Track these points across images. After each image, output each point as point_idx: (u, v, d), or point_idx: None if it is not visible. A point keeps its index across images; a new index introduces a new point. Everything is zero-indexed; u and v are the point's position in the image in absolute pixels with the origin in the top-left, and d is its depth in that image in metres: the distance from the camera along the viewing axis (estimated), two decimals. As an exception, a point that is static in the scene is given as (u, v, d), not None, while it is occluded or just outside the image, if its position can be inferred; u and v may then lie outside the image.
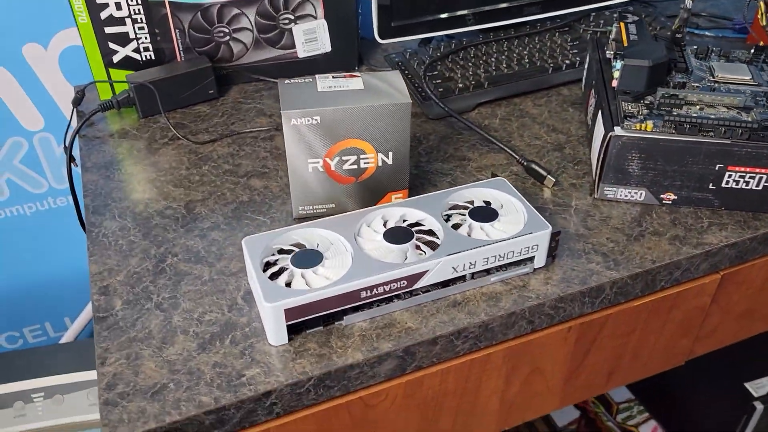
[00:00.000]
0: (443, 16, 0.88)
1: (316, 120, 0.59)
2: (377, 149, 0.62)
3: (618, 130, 0.63)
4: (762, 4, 0.77)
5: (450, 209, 0.62)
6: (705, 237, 0.63)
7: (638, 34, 0.72)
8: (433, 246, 0.57)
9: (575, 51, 0.91)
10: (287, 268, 0.54)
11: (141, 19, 0.81)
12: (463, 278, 0.57)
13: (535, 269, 0.59)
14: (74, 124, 0.82)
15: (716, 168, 0.63)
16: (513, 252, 0.57)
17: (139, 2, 0.80)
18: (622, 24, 0.74)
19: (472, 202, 0.62)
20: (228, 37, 0.86)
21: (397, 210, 0.60)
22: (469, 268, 0.56)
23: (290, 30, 0.88)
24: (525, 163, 0.72)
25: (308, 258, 0.55)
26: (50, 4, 0.91)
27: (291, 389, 0.50)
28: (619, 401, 1.33)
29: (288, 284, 0.53)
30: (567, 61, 0.89)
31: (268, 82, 0.90)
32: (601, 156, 0.65)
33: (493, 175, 0.69)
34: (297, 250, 0.56)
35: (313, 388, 0.51)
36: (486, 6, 0.90)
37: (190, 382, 0.50)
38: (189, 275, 0.59)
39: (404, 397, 0.57)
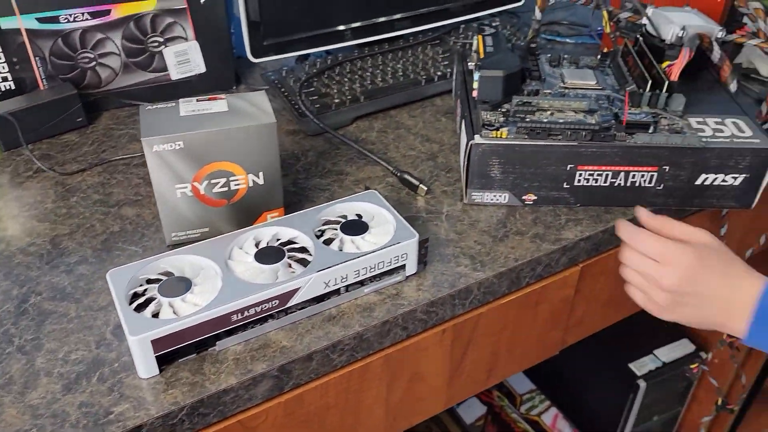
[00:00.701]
0: (317, 33, 0.90)
1: (179, 145, 0.58)
2: (247, 170, 0.62)
3: (477, 139, 0.67)
4: (605, 12, 0.84)
5: (323, 225, 0.63)
6: (563, 233, 0.67)
7: (494, 45, 0.76)
8: (304, 263, 0.57)
9: (446, 63, 0.95)
10: (155, 298, 0.53)
11: (-6, 48, 0.77)
12: (337, 292, 0.58)
13: (407, 277, 0.62)
14: (-74, 161, 0.77)
15: (568, 168, 0.68)
16: (383, 262, 0.59)
17: (-9, 30, 0.76)
18: (480, 37, 0.78)
19: (345, 216, 0.63)
20: (94, 63, 0.83)
21: (270, 229, 0.61)
22: (342, 281, 0.57)
23: (161, 53, 0.86)
24: (398, 174, 0.74)
25: (176, 286, 0.54)
26: None
27: (163, 421, 0.49)
28: (521, 393, 1.39)
29: (156, 314, 0.52)
30: (439, 73, 0.92)
31: (137, 106, 0.88)
32: (466, 163, 0.69)
33: (366, 188, 0.71)
34: (165, 278, 0.55)
35: (187, 417, 0.50)
36: (359, 22, 0.92)
37: (54, 426, 0.48)
38: (54, 314, 0.57)
39: (285, 416, 0.57)
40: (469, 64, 0.80)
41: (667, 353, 1.22)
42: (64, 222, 0.68)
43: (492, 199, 0.71)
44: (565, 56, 0.81)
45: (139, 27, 0.83)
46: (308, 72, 0.91)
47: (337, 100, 0.86)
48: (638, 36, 0.79)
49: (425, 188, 0.73)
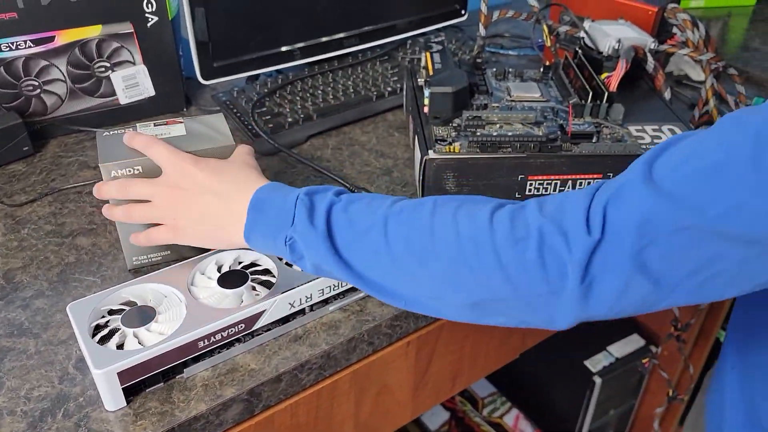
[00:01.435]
0: (267, 53, 0.90)
1: (138, 170, 0.58)
2: None
3: (431, 154, 0.69)
4: (545, 26, 0.88)
5: (284, 245, 0.63)
6: (518, 241, 0.70)
7: (442, 62, 0.78)
8: (268, 285, 0.58)
9: (395, 78, 0.97)
10: (119, 329, 0.53)
11: (-68, 78, 0.75)
12: (302, 311, 0.59)
13: (370, 293, 0.63)
14: None
15: (519, 179, 0.70)
16: (346, 280, 0.60)
17: (-72, 61, 0.74)
18: (428, 54, 0.80)
19: (305, 236, 0.64)
20: (39, 90, 0.82)
21: (231, 253, 0.61)
22: (306, 301, 0.58)
23: (108, 78, 0.85)
24: (354, 191, 0.76)
25: (140, 315, 0.54)
26: None
27: (133, 453, 0.49)
28: (483, 396, 1.42)
29: (121, 345, 0.52)
30: (389, 88, 0.94)
31: (90, 132, 0.87)
32: (421, 178, 0.70)
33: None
34: (127, 308, 0.55)
35: (158, 448, 0.50)
36: (308, 41, 0.93)
37: (19, 467, 0.47)
38: (12, 351, 0.55)
39: (257, 438, 0.57)
40: (418, 80, 0.83)
41: (619, 349, 1.26)
42: (17, 255, 0.66)
43: (448, 212, 0.73)
44: (510, 70, 0.84)
45: (85, 53, 0.82)
46: (260, 92, 0.91)
47: (290, 119, 0.87)
48: (577, 49, 0.83)
49: None
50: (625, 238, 0.42)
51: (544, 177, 0.70)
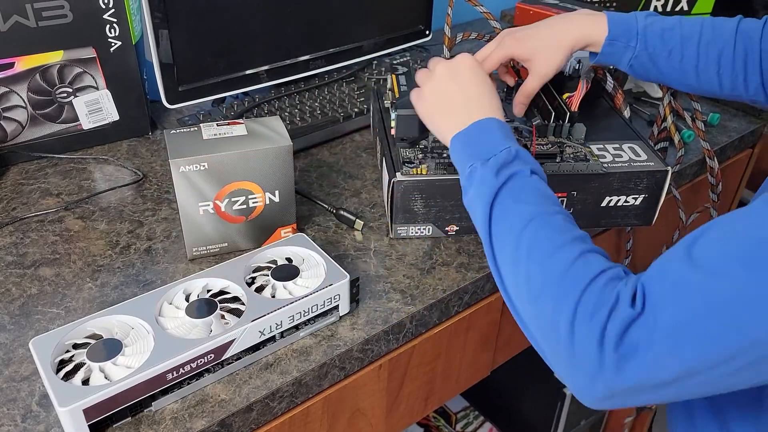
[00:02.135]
0: (232, 76, 0.90)
1: (203, 166, 0.63)
2: (264, 189, 0.67)
3: (399, 176, 0.69)
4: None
5: (254, 272, 0.63)
6: (485, 261, 0.70)
7: (408, 84, 0.79)
8: (237, 313, 0.57)
9: (362, 99, 0.98)
10: (84, 364, 0.52)
11: None
12: (272, 339, 0.59)
13: (340, 317, 0.63)
14: None
15: (486, 199, 0.71)
16: (317, 305, 0.60)
17: None
18: (393, 76, 0.81)
19: (275, 262, 0.64)
20: (-2, 117, 0.80)
21: (199, 281, 0.60)
22: (277, 328, 0.58)
23: (70, 103, 0.84)
24: (334, 211, 0.76)
25: (106, 349, 0.53)
26: None
27: (101, 492, 0.48)
28: (456, 411, 1.42)
29: (86, 381, 0.51)
30: (356, 109, 0.95)
31: (53, 158, 0.85)
32: (389, 199, 0.71)
33: (295, 231, 0.72)
34: (93, 342, 0.54)
35: (127, 485, 0.49)
36: (274, 63, 0.94)
37: None
38: (-28, 389, 0.54)
39: (228, 470, 0.56)
40: (384, 102, 0.84)
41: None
42: (-24, 288, 0.64)
43: (417, 233, 0.73)
44: (475, 90, 0.85)
45: (46, 78, 0.81)
46: (226, 115, 0.91)
47: (257, 142, 0.86)
48: (539, 69, 0.84)
49: (361, 222, 0.74)
50: (664, 309, 0.44)
51: (510, 197, 0.71)
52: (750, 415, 0.56)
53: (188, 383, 0.54)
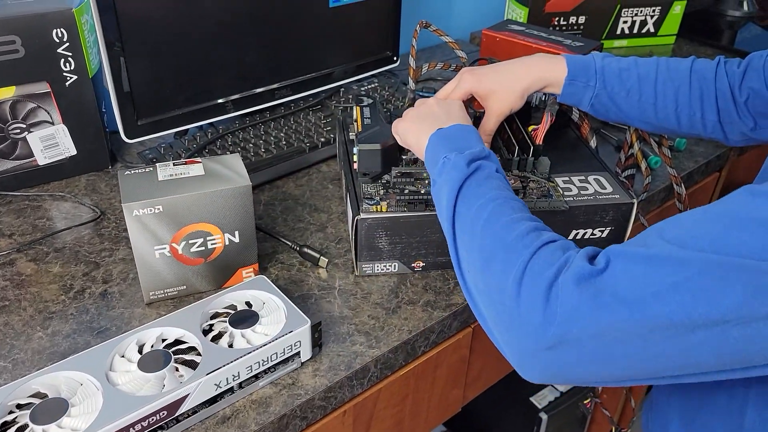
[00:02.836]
0: (194, 108, 0.88)
1: (158, 209, 0.61)
2: (223, 230, 0.65)
3: (362, 214, 0.68)
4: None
5: (212, 318, 0.61)
6: (452, 297, 0.69)
7: (372, 117, 0.78)
8: (193, 365, 0.55)
9: (329, 128, 0.96)
10: (27, 426, 0.49)
11: None
12: (230, 390, 0.56)
13: (302, 363, 0.61)
14: None
15: (451, 235, 0.70)
16: (276, 354, 0.58)
17: None
18: (357, 108, 0.80)
19: (234, 307, 0.62)
20: (-53, 155, 0.77)
21: (154, 331, 0.58)
22: (234, 380, 0.56)
23: (24, 139, 0.81)
24: (298, 248, 0.74)
25: (51, 409, 0.50)
26: None
27: None
28: (433, 437, 1.40)
29: (29, 445, 0.48)
30: (322, 139, 0.93)
31: (6, 196, 0.82)
32: (354, 237, 0.69)
33: (257, 271, 0.70)
34: (37, 402, 0.51)
35: None
36: (237, 94, 0.92)
37: None
38: None
39: None
40: (350, 134, 0.82)
41: (565, 383, 1.27)
42: None
43: (382, 269, 0.72)
44: (441, 121, 0.84)
45: (-2, 114, 0.78)
46: (188, 147, 0.89)
47: (220, 175, 0.84)
48: (505, 99, 0.84)
49: (326, 260, 0.73)
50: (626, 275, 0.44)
51: (476, 232, 0.70)
52: None
53: (140, 442, 0.52)
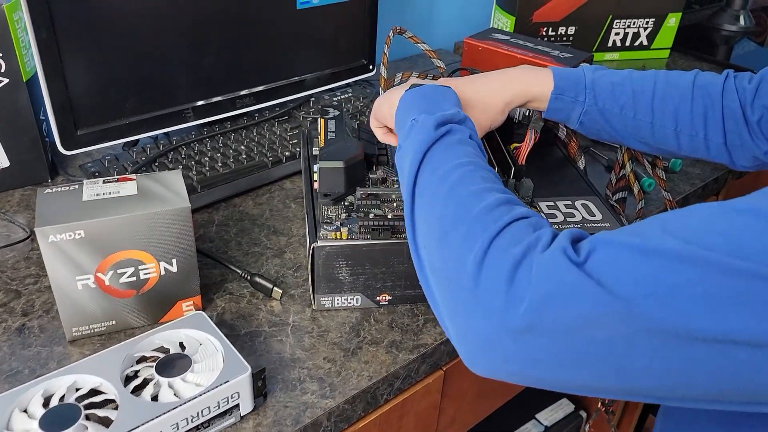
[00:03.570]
0: (143, 117, 0.80)
1: (79, 234, 0.53)
2: (158, 258, 0.57)
3: (320, 241, 0.60)
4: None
5: (138, 362, 0.53)
6: (421, 337, 0.61)
7: (336, 130, 0.70)
8: (106, 422, 0.47)
9: (295, 141, 0.88)
10: None
11: None
12: (153, 450, 0.48)
13: (242, 416, 0.52)
14: None
15: (420, 266, 0.62)
16: (209, 408, 0.49)
17: None
18: (322, 120, 0.72)
19: (165, 350, 0.54)
20: None
21: (65, 379, 0.50)
22: (156, 439, 0.47)
23: (-53, 148, 0.73)
24: (249, 278, 0.66)
25: None
26: None
27: None
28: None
29: None
30: (287, 153, 0.85)
31: (-74, 212, 0.73)
32: (311, 266, 0.61)
33: (198, 305, 0.61)
34: None
35: None
36: (194, 102, 0.84)
37: None
38: None
39: None
40: (313, 149, 0.74)
41: (549, 416, 1.20)
42: None
43: (343, 303, 0.64)
44: (415, 136, 0.76)
45: None
46: (136, 160, 0.80)
47: (170, 192, 0.76)
48: (486, 114, 0.76)
49: (280, 291, 0.65)
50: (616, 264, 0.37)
51: (449, 264, 0.62)
52: None
53: None
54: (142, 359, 0.53)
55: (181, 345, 0.54)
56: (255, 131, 0.89)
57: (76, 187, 0.57)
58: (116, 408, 0.48)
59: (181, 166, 0.80)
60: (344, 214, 0.63)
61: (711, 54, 1.33)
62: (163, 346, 0.54)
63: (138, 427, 0.46)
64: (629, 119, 0.63)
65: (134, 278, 0.57)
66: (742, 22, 1.41)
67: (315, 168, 0.65)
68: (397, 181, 0.68)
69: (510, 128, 0.73)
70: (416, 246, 0.48)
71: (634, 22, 1.21)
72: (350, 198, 0.65)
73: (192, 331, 0.55)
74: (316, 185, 0.65)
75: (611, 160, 0.89)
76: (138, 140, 0.84)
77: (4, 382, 0.54)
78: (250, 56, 0.87)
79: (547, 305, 0.36)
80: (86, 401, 0.48)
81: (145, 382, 0.50)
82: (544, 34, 1.18)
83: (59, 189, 0.56)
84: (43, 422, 0.46)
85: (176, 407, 0.47)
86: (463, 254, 0.41)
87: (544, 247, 0.39)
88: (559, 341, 0.37)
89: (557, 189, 0.69)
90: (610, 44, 1.23)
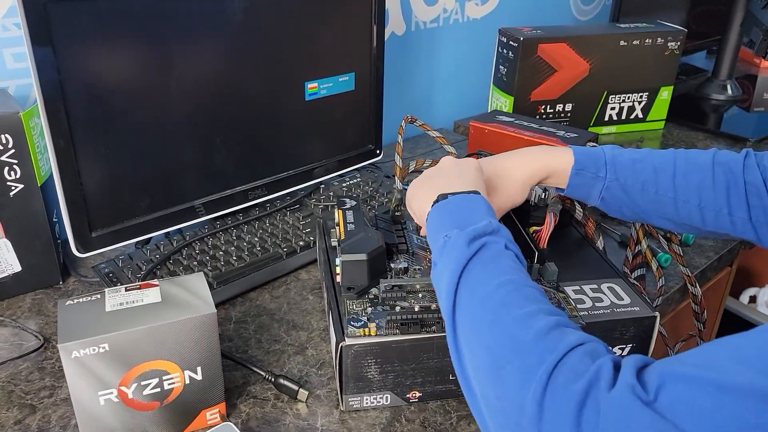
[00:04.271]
0: (156, 215, 0.79)
1: (103, 348, 0.51)
2: (182, 367, 0.56)
3: (348, 340, 0.58)
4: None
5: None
6: (456, 436, 0.59)
7: (355, 221, 0.70)
8: None
9: (308, 230, 0.88)
10: None
11: None
12: None
13: None
14: None
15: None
16: None
17: None
18: (340, 212, 0.72)
19: (193, 464, 0.51)
20: None
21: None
22: None
23: (-40, 257, 0.71)
24: (273, 379, 0.64)
25: None
26: None
27: None
28: None
29: None
30: (301, 243, 0.85)
31: (-65, 323, 0.71)
32: (338, 366, 0.59)
33: (223, 412, 0.59)
34: None
35: None
36: (206, 197, 0.83)
37: None
38: None
39: None
40: (332, 240, 0.74)
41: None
42: None
43: (372, 403, 0.61)
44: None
45: (-71, 231, 0.69)
46: (150, 258, 0.79)
47: (186, 290, 0.74)
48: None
49: (306, 392, 0.62)
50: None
51: (480, 356, 0.61)
52: None
53: None
54: (169, 478, 0.50)
55: (210, 460, 0.52)
56: (267, 222, 0.89)
57: (98, 297, 0.56)
58: None
59: (195, 262, 0.79)
60: (370, 308, 0.62)
61: (702, 123, 1.36)
62: (191, 463, 0.51)
63: None
64: (651, 195, 0.63)
65: (158, 389, 0.55)
66: (729, 91, 1.45)
67: (337, 261, 0.64)
68: (419, 269, 0.67)
69: (526, 211, 0.74)
70: (465, 375, 0.45)
71: (629, 97, 1.25)
72: (374, 290, 0.64)
73: (220, 445, 0.52)
74: (338, 278, 0.65)
75: (624, 236, 0.89)
76: (150, 238, 0.83)
77: None
78: (260, 149, 0.88)
79: None
80: None
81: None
82: (542, 111, 1.20)
83: (80, 300, 0.55)
84: None
85: None
86: (521, 393, 0.39)
87: (607, 383, 0.37)
88: None
89: (579, 272, 0.68)
90: (606, 118, 1.26)
